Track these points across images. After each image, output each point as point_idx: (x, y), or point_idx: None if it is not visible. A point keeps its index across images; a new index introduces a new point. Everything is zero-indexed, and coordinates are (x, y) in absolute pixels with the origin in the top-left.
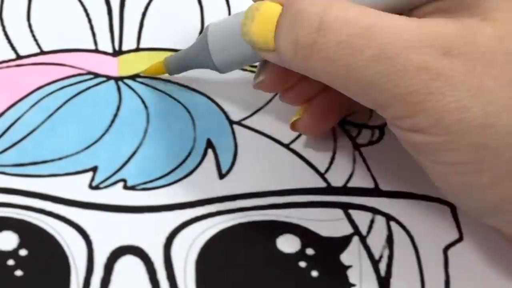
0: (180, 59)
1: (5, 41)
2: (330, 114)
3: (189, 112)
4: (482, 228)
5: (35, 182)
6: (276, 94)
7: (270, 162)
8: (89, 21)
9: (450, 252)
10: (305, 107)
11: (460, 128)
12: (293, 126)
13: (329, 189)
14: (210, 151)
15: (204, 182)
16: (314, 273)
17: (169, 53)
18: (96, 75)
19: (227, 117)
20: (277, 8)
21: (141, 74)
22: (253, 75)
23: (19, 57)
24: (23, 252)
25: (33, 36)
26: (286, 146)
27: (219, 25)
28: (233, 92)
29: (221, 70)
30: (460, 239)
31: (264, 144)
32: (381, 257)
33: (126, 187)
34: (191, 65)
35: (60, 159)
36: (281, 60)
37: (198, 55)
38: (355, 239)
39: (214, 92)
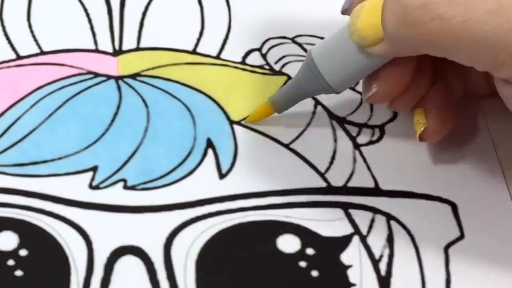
0: (288, 94)
1: (5, 41)
2: (449, 109)
3: (189, 111)
4: (483, 225)
5: (35, 182)
6: None
7: (270, 162)
8: (89, 21)
9: (451, 250)
10: (424, 115)
11: None
12: (422, 137)
13: (329, 189)
14: (210, 150)
15: (204, 182)
16: (314, 273)
17: (169, 53)
18: (96, 75)
19: (227, 117)
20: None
21: (245, 123)
22: (257, 76)
23: (19, 57)
24: (23, 252)
25: (33, 36)
26: (286, 146)
27: (321, 47)
28: (233, 91)
29: (338, 90)
30: (461, 237)
31: (264, 144)
32: (381, 256)
33: (126, 187)
34: (302, 96)
35: (60, 159)
36: (391, 43)
37: (308, 83)
38: (355, 238)
39: (214, 92)
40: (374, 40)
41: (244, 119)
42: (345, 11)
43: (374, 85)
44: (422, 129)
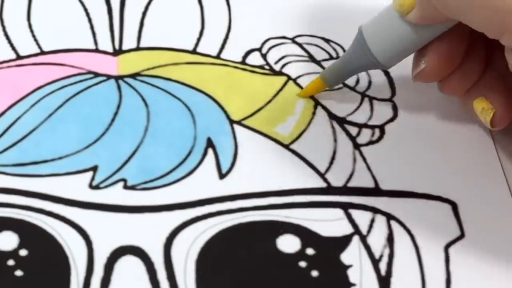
0: (339, 69)
1: (5, 41)
2: (508, 96)
3: (189, 110)
4: (484, 225)
5: (35, 182)
6: (276, 95)
7: (270, 162)
8: (89, 20)
9: (451, 250)
10: (486, 101)
11: None
12: (494, 123)
13: (329, 189)
14: (210, 150)
15: (204, 182)
16: (314, 273)
17: (169, 53)
18: (96, 75)
19: (228, 116)
20: None
21: (299, 95)
22: (257, 76)
23: (19, 57)
24: (23, 252)
25: (33, 36)
26: (286, 146)
27: (371, 22)
28: (233, 91)
29: (386, 66)
30: (461, 236)
31: (264, 144)
32: (381, 256)
33: (126, 187)
34: (352, 71)
35: (60, 158)
36: (419, 4)
37: (358, 59)
38: (355, 238)
39: (215, 92)
40: (409, 5)
41: (244, 118)
42: None
43: (423, 61)
44: (492, 114)
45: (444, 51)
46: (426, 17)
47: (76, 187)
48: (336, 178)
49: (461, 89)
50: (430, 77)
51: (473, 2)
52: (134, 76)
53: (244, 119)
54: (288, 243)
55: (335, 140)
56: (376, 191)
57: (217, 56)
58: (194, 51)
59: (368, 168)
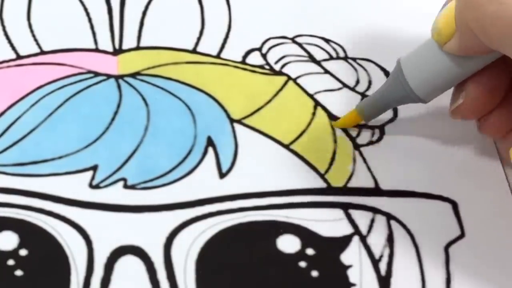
0: (376, 102)
1: (5, 41)
2: None
3: (189, 109)
4: (484, 224)
5: (35, 181)
6: (276, 95)
7: (270, 162)
8: (89, 20)
9: (452, 249)
10: None
11: None
12: None
13: (329, 189)
14: (210, 149)
15: (204, 182)
16: (314, 273)
17: (169, 52)
18: (96, 74)
19: (228, 115)
20: None
21: (333, 125)
22: (257, 76)
23: (19, 57)
24: (23, 252)
25: (33, 36)
26: (286, 146)
27: (410, 55)
28: (233, 91)
29: (424, 100)
30: (461, 235)
31: (264, 144)
32: (381, 256)
33: (126, 186)
34: (389, 104)
35: (60, 158)
36: (460, 33)
37: (395, 92)
38: (355, 239)
39: (215, 91)
40: (448, 33)
41: (244, 118)
42: None
43: (461, 96)
44: None
45: (485, 86)
46: (466, 47)
47: (76, 186)
48: (336, 178)
49: (502, 129)
50: (468, 114)
51: None
52: (134, 75)
53: (244, 118)
54: (288, 243)
55: (335, 141)
56: (376, 191)
57: (217, 56)
58: (194, 51)
59: (368, 168)
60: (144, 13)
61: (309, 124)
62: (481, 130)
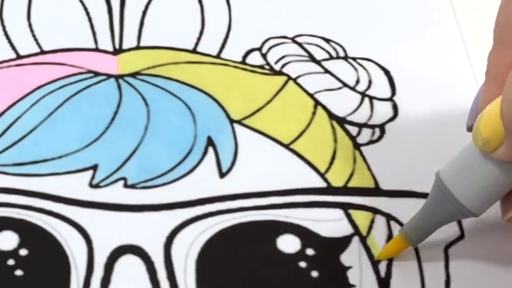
0: (422, 223)
1: (5, 40)
2: None
3: (189, 109)
4: (484, 225)
5: (35, 181)
6: (276, 95)
7: (270, 161)
8: (89, 20)
9: (451, 251)
10: None
11: None
12: None
13: (329, 189)
14: (210, 149)
15: (205, 181)
16: (314, 273)
17: (169, 52)
18: (96, 74)
19: (228, 115)
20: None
21: (378, 258)
22: (257, 76)
23: (19, 56)
24: (23, 252)
25: (33, 35)
26: (286, 146)
27: (450, 167)
28: (233, 91)
29: (477, 214)
30: (461, 237)
31: (264, 143)
32: None
33: (126, 186)
34: (437, 225)
35: (60, 157)
36: None
37: (442, 210)
38: (355, 239)
39: (215, 91)
40: (496, 140)
41: (244, 118)
42: (470, 128)
43: None
44: None
45: None
46: None
47: (76, 186)
48: (336, 178)
49: None
50: None
51: None
52: (134, 75)
53: (244, 118)
54: (288, 243)
55: (335, 140)
56: (376, 191)
57: (217, 56)
58: (194, 51)
59: (368, 168)
60: (144, 13)
61: (309, 123)
62: None
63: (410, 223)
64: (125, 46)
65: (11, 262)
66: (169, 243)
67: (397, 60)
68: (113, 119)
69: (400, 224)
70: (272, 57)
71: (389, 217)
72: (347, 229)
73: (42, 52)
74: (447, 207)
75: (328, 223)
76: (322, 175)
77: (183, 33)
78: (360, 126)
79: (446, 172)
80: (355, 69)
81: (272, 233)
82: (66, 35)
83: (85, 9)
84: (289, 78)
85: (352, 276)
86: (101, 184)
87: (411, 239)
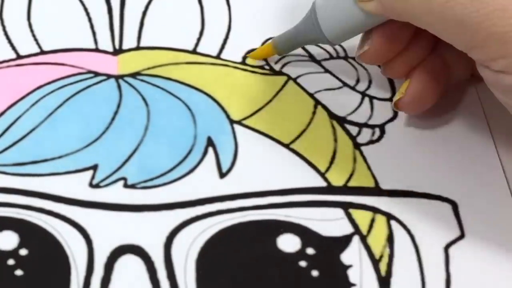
0: (290, 38)
1: (5, 40)
2: (431, 89)
3: (189, 109)
4: (484, 225)
5: (35, 181)
6: (276, 95)
7: (270, 161)
8: (89, 20)
9: (451, 250)
10: (407, 85)
11: None
12: (396, 105)
13: (330, 189)
14: (210, 149)
15: (205, 181)
16: (315, 273)
17: (169, 53)
18: (96, 74)
19: (228, 116)
20: None
21: (249, 57)
22: (257, 76)
23: (19, 56)
24: (23, 252)
25: (33, 35)
26: (286, 146)
27: (325, 0)
28: (233, 91)
29: (332, 43)
30: (461, 236)
31: (264, 143)
32: (381, 256)
33: (126, 186)
34: (301, 42)
35: (60, 157)
36: (380, 4)
37: (308, 31)
38: (356, 238)
39: (215, 92)
40: None
41: (244, 118)
42: None
43: (367, 43)
44: (398, 98)
45: (389, 36)
46: (383, 14)
47: (76, 186)
48: (336, 178)
49: (402, 73)
50: (372, 60)
51: (443, 18)
52: (134, 75)
53: (244, 119)
54: (288, 243)
55: (335, 140)
56: (376, 191)
57: (217, 56)
58: (194, 51)
59: (368, 167)
60: (144, 13)
61: (310, 123)
62: (384, 73)
63: (281, 35)
64: (125, 46)
65: (11, 262)
66: (169, 243)
67: None
68: (113, 119)
69: (400, 224)
70: (272, 57)
71: (389, 217)
72: (347, 228)
73: (42, 52)
74: (312, 31)
75: (328, 222)
76: (322, 175)
77: (183, 34)
78: (360, 126)
79: (320, 2)
80: (355, 69)
81: (272, 232)
82: (66, 35)
83: (85, 9)
84: (289, 78)
85: (353, 275)
86: (101, 184)
87: (279, 48)
